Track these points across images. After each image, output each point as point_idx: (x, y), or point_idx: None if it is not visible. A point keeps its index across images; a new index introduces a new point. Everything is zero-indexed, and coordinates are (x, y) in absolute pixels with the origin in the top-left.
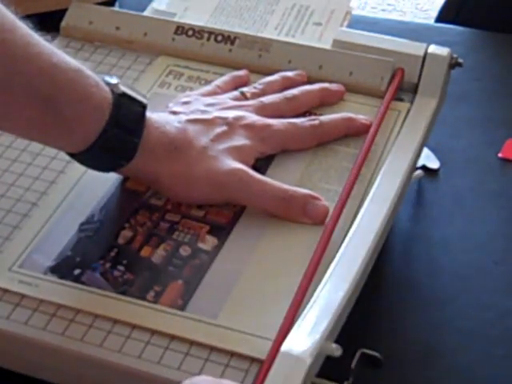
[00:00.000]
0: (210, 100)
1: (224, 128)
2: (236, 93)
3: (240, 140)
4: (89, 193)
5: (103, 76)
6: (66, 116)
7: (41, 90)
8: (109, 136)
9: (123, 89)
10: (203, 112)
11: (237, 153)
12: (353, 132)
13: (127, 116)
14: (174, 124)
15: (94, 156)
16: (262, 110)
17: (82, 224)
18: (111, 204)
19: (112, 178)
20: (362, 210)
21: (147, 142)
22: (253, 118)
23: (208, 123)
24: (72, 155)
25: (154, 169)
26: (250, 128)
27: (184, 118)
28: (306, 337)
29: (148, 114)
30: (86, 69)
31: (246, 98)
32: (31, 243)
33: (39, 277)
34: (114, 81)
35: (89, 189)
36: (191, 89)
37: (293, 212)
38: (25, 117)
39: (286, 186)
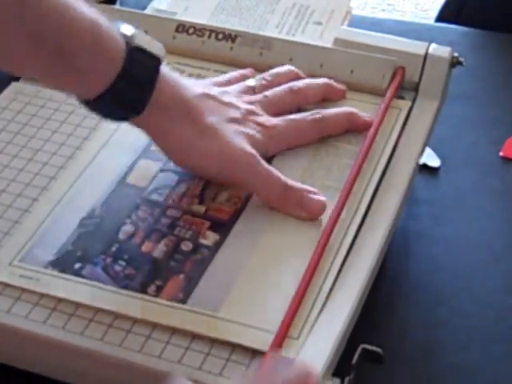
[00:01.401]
0: (222, 88)
1: (237, 115)
2: (244, 85)
3: (251, 130)
4: (90, 188)
5: (120, 26)
6: (76, 66)
7: (52, 38)
8: (118, 89)
9: (138, 41)
10: (220, 93)
11: (249, 139)
12: (354, 127)
13: (139, 70)
14: (192, 89)
15: (104, 106)
16: (267, 106)
17: (83, 219)
18: (112, 199)
19: (113, 174)
20: (366, 221)
21: (159, 98)
22: (261, 117)
23: (223, 105)
24: (84, 103)
25: (165, 127)
26: (259, 125)
27: (202, 90)
28: None
29: (165, 71)
30: (102, 18)
31: (254, 92)
32: (32, 238)
33: (40, 271)
34: (129, 32)
35: (90, 184)
36: None
37: (290, 204)
38: (35, 64)
39: (286, 178)
